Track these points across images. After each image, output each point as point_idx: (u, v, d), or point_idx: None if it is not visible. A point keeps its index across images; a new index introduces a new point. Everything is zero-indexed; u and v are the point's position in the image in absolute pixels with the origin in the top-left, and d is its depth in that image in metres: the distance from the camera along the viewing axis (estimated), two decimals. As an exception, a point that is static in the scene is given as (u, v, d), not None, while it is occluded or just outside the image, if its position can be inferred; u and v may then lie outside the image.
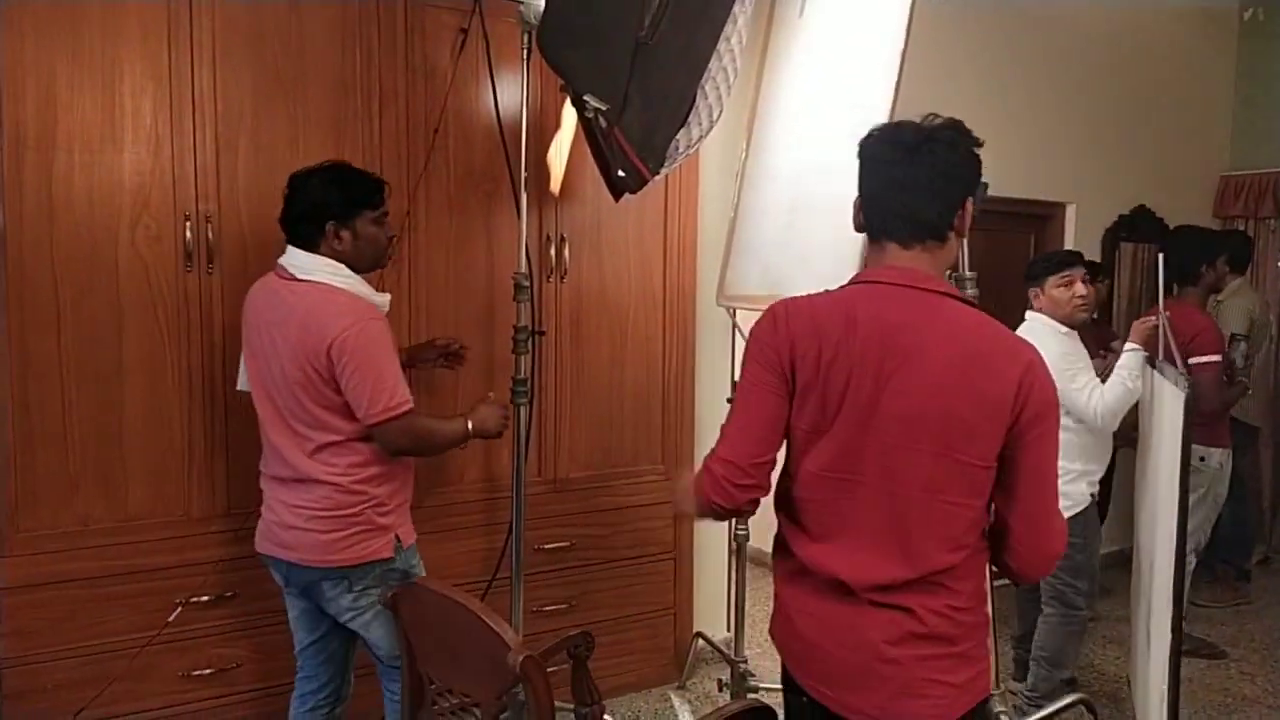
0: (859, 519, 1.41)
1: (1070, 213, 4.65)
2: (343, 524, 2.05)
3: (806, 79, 2.98)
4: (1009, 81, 4.31)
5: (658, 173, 2.57)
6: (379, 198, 2.14)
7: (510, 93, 2.80)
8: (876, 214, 1.48)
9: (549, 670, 1.65)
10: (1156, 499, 2.59)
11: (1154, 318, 2.91)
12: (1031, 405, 1.34)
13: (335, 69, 2.61)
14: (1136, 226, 4.77)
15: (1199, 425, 3.61)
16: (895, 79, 2.48)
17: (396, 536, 2.13)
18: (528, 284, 2.61)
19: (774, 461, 1.49)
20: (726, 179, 3.31)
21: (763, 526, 3.27)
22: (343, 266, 2.08)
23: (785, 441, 1.50)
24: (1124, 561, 4.65)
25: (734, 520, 3.10)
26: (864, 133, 1.53)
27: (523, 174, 2.65)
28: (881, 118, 2.48)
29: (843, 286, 1.50)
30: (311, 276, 2.05)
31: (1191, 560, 3.77)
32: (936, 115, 1.48)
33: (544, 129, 2.84)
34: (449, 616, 1.76)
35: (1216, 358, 3.58)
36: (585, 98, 2.36)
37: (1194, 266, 3.77)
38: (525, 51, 2.58)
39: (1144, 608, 2.97)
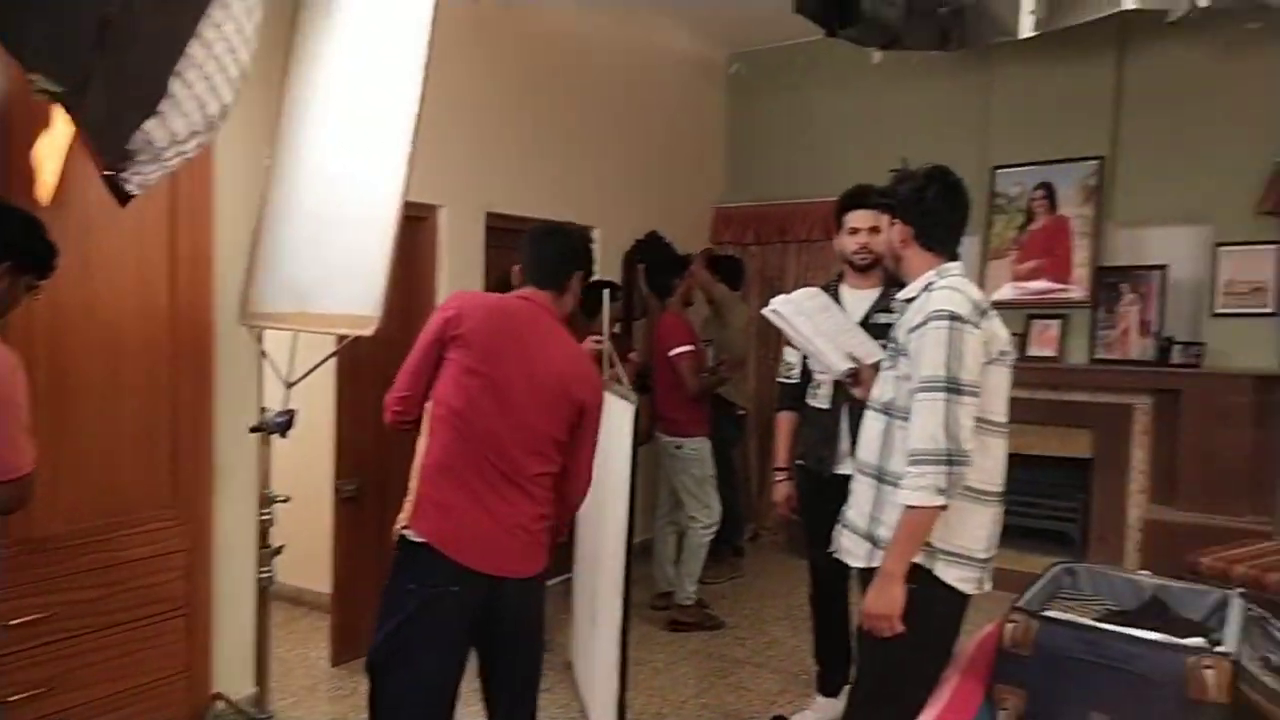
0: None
1: (597, 235, 5.04)
2: None
3: (334, 87, 2.85)
4: (541, 115, 4.56)
5: (123, 169, 2.20)
6: (49, 271, 2.10)
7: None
8: (533, 269, 2.33)
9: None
10: (606, 493, 2.95)
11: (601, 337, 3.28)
12: (593, 404, 2.31)
13: None
14: (654, 249, 5.31)
15: (675, 419, 4.30)
16: (417, 104, 2.45)
17: None
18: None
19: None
20: (250, 187, 3.03)
21: (288, 564, 3.06)
22: None
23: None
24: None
25: (258, 563, 2.83)
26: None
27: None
28: (404, 138, 2.46)
29: (506, 296, 2.33)
30: None
31: (708, 535, 4.33)
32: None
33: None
34: None
35: (690, 347, 4.27)
36: (32, 77, 1.97)
37: (668, 281, 4.56)
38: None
39: (587, 594, 3.34)
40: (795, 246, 5.85)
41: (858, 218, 3.02)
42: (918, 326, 2.06)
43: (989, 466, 2.10)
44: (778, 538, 5.78)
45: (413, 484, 2.15)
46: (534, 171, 4.49)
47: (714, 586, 4.84)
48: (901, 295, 2.24)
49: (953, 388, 1.96)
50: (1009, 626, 1.88)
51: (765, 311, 2.78)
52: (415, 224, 3.95)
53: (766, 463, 5.95)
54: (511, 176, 4.35)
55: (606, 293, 3.75)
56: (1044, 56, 4.82)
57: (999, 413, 2.10)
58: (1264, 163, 4.43)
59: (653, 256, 4.96)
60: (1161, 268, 4.72)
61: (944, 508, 1.98)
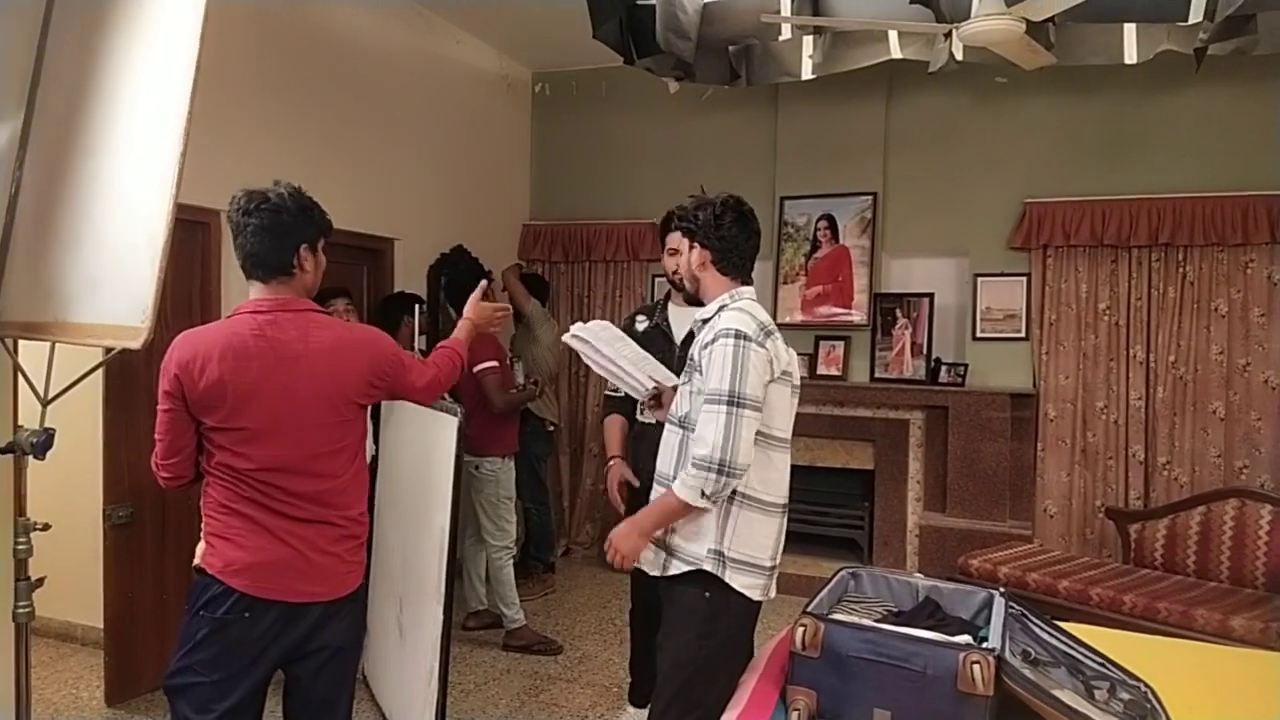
0: None
1: (399, 248, 4.90)
2: None
3: (97, 87, 2.62)
4: (340, 122, 4.41)
5: None
6: None
7: None
8: (248, 264, 2.07)
9: None
10: (425, 506, 2.96)
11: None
12: (382, 368, 2.18)
13: None
14: (456, 263, 5.23)
15: (476, 437, 4.22)
16: (188, 103, 2.28)
17: None
18: None
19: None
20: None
21: (54, 598, 2.75)
22: None
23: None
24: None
25: (15, 597, 2.53)
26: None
27: None
28: (175, 139, 2.28)
29: (231, 315, 2.06)
30: None
31: (505, 556, 4.25)
32: (281, 182, 2.11)
33: None
34: None
35: (495, 363, 4.19)
36: None
37: (466, 296, 4.37)
38: None
39: (393, 605, 3.29)
40: (603, 265, 5.93)
41: (675, 239, 2.99)
42: (709, 344, 2.19)
43: (774, 479, 2.25)
44: (590, 552, 5.82)
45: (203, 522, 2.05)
46: (330, 179, 4.28)
47: (527, 604, 4.80)
48: (699, 315, 2.36)
49: (734, 401, 2.10)
50: (799, 630, 1.97)
51: (566, 337, 2.82)
52: (196, 230, 3.70)
53: (577, 478, 5.98)
54: (305, 184, 4.14)
55: (417, 308, 3.65)
56: (824, 97, 5.19)
57: (781, 428, 2.25)
58: (1014, 202, 4.98)
59: (456, 272, 4.87)
60: (929, 295, 5.17)
61: (705, 510, 2.18)
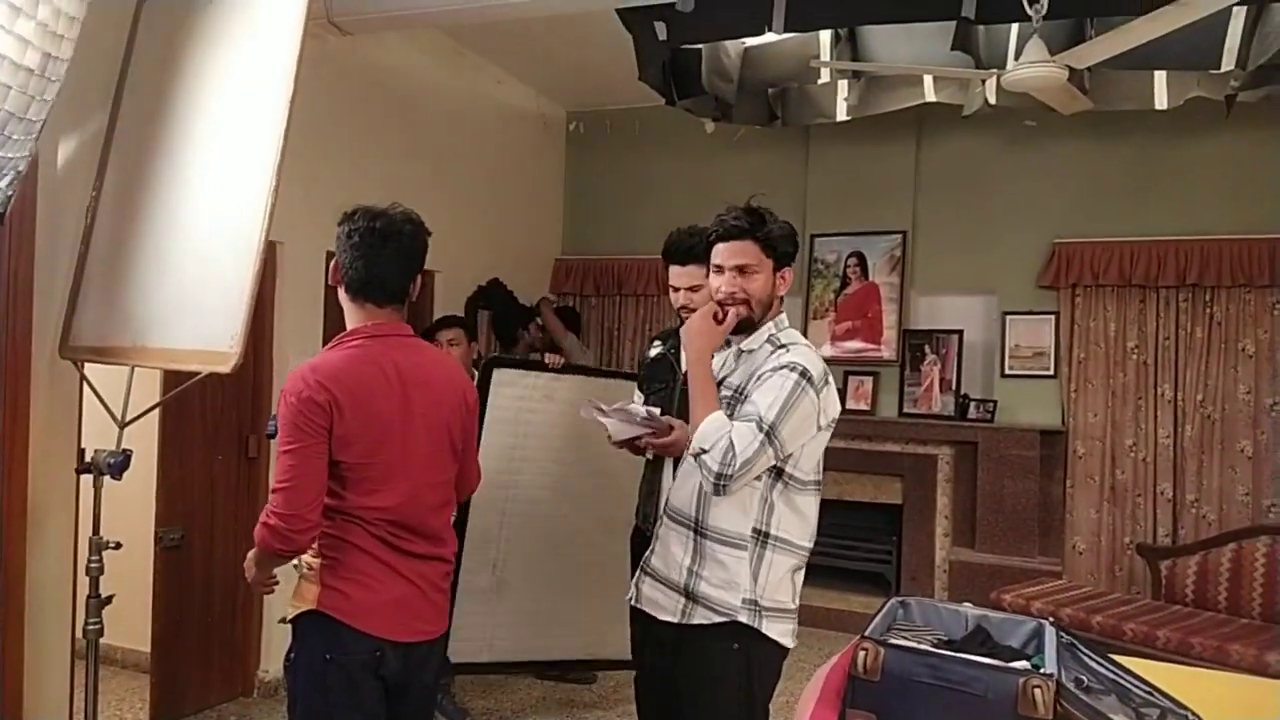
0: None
1: (439, 280, 5.01)
2: None
3: (185, 116, 2.73)
4: (384, 155, 4.55)
5: None
6: None
7: None
8: (375, 287, 1.97)
9: None
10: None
11: None
12: (473, 399, 2.19)
13: None
14: (492, 296, 5.33)
15: None
16: (281, 139, 2.38)
17: None
18: None
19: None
20: (75, 215, 2.84)
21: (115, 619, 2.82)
22: None
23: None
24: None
25: (87, 613, 2.60)
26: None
27: None
28: (266, 170, 2.38)
29: (344, 342, 1.96)
30: None
31: None
32: (399, 204, 2.04)
33: None
34: None
35: None
36: None
37: (513, 331, 4.67)
38: None
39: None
40: (633, 299, 6.03)
41: (678, 275, 2.62)
42: (769, 371, 2.07)
43: (804, 523, 2.17)
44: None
45: (311, 561, 1.94)
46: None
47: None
48: (745, 345, 2.20)
49: (769, 435, 1.98)
50: (860, 654, 2.01)
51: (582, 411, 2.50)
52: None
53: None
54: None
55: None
56: (855, 138, 5.30)
57: (813, 473, 2.16)
58: (1042, 242, 5.06)
59: (500, 306, 4.97)
60: (958, 332, 5.25)
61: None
